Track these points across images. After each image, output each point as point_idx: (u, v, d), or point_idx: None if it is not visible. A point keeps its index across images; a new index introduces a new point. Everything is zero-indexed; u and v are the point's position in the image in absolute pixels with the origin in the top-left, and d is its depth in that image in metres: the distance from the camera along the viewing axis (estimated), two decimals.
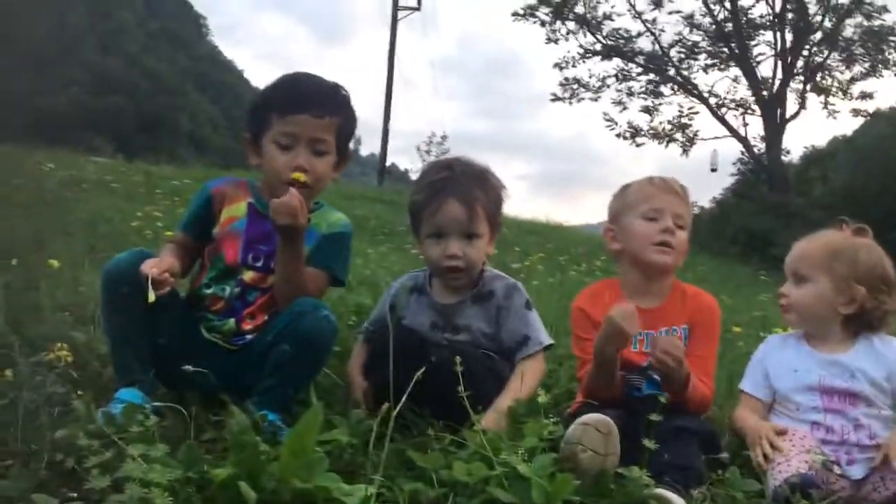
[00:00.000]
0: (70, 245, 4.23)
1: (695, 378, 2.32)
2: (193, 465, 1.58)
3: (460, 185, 2.43)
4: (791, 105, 23.82)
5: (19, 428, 1.76)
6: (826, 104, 24.07)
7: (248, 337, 2.34)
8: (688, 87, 25.09)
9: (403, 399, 2.03)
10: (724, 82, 30.21)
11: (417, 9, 30.19)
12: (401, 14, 29.61)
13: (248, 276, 2.36)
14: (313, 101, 2.35)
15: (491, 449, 1.74)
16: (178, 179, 11.44)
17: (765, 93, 23.69)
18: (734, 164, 26.04)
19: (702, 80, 27.77)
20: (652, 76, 25.46)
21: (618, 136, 25.40)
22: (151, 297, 2.05)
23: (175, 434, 1.93)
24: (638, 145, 25.29)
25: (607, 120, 25.39)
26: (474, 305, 2.46)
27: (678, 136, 25.28)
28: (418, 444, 2.01)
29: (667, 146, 25.29)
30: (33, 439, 1.73)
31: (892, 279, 2.32)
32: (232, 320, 2.34)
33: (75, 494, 1.50)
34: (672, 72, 25.30)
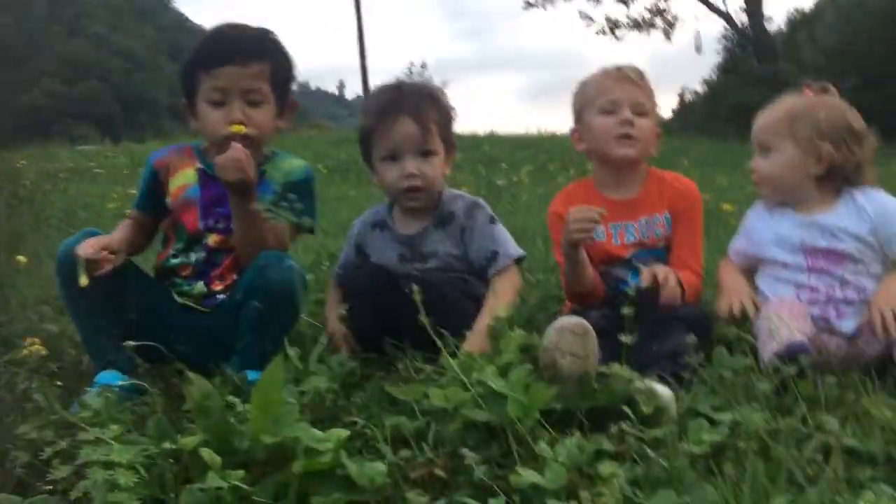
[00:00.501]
0: (48, 237, 4.19)
1: (684, 271, 2.29)
2: (164, 437, 1.56)
3: (410, 103, 2.37)
4: None
5: None
6: None
7: (220, 297, 2.30)
8: None
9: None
10: None
11: None
12: None
13: (211, 239, 2.32)
14: (237, 51, 2.26)
15: (465, 370, 1.70)
16: None
17: None
18: (719, 41, 25.59)
19: None
20: None
21: (597, 32, 24.95)
22: (83, 280, 2.01)
23: (154, 410, 1.90)
24: (618, 38, 24.83)
25: (584, 17, 24.87)
26: (438, 230, 2.41)
27: (658, 21, 24.78)
28: (401, 378, 1.99)
29: (648, 34, 24.82)
30: (7, 438, 1.70)
31: (858, 130, 2.26)
32: (201, 283, 2.31)
33: (50, 488, 1.47)
34: None
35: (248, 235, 2.22)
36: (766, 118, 2.32)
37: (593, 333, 1.80)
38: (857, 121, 2.27)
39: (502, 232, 2.41)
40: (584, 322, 1.81)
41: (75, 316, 2.21)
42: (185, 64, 2.36)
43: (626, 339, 1.76)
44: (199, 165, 2.37)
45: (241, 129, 2.18)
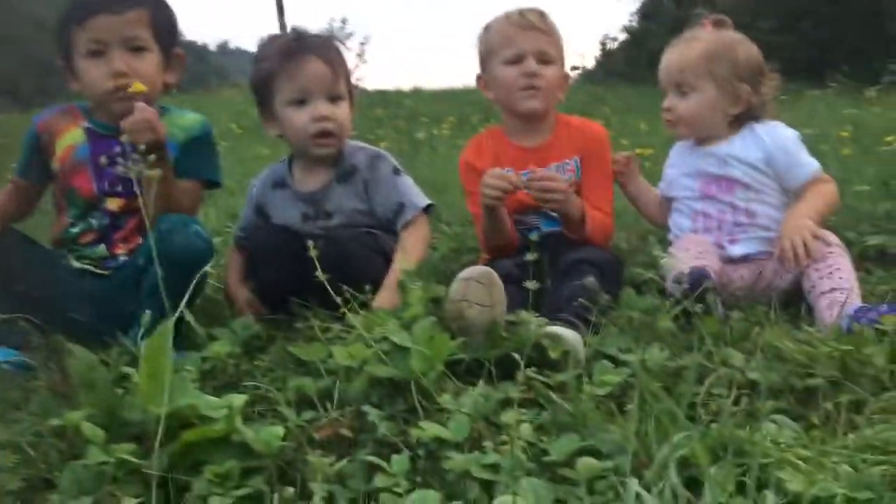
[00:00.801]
0: None
1: (593, 210, 2.28)
2: (49, 414, 1.48)
3: (317, 44, 2.29)
4: None
5: None
6: None
7: (122, 259, 2.20)
8: None
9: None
10: None
11: None
12: None
13: (112, 204, 2.20)
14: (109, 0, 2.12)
15: (369, 327, 1.65)
16: None
17: None
18: None
19: None
20: None
21: None
22: None
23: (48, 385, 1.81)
24: None
25: None
26: (340, 185, 2.32)
27: None
28: (306, 339, 1.93)
29: None
30: None
31: (764, 67, 2.32)
32: (102, 246, 2.20)
33: None
34: None
35: (164, 201, 2.05)
36: (682, 57, 2.31)
37: (500, 282, 1.77)
38: (761, 56, 2.32)
39: (407, 182, 2.34)
40: (490, 271, 1.78)
41: None
42: (58, 21, 2.20)
43: (531, 285, 1.73)
44: (86, 124, 2.23)
45: (141, 87, 2.04)
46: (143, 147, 1.70)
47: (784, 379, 1.54)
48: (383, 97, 12.57)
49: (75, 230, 2.21)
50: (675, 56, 2.32)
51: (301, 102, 2.25)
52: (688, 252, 2.06)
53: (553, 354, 1.61)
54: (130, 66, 2.12)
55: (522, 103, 2.35)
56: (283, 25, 27.10)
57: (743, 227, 2.24)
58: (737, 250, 2.21)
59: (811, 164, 2.24)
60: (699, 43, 2.32)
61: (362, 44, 16.04)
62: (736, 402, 1.43)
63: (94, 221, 2.21)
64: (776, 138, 2.25)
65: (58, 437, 1.45)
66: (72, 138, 2.22)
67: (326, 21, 24.07)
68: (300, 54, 2.24)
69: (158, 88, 2.22)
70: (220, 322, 2.11)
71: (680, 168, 2.40)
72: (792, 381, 1.54)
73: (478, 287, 1.74)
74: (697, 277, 1.89)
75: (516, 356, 1.54)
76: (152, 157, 1.64)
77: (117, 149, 2.14)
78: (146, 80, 2.12)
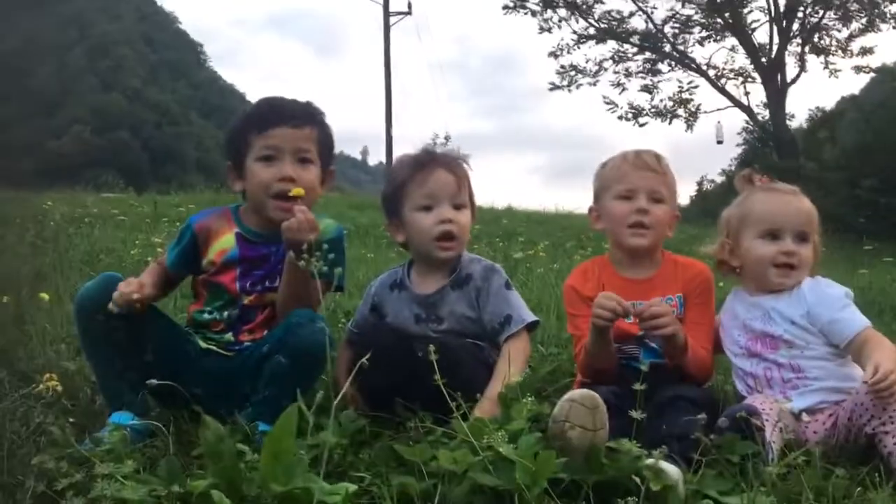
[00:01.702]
0: (69, 278, 4.25)
1: (694, 343, 2.31)
2: (174, 479, 1.57)
3: (445, 157, 2.50)
4: (791, 69, 23.58)
5: (4, 459, 1.76)
6: (826, 64, 23.78)
7: (246, 344, 2.34)
8: (685, 62, 24.86)
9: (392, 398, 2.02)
10: (722, 53, 30.04)
11: (409, 13, 30.23)
12: (393, 20, 29.63)
13: (247, 299, 2.38)
14: (291, 114, 2.39)
15: (475, 435, 1.71)
16: (185, 206, 11.49)
17: (763, 59, 23.44)
18: (739, 133, 25.88)
19: (698, 52, 27.55)
20: (648, 55, 25.25)
21: (619, 118, 25.17)
22: (112, 306, 2.10)
23: (164, 453, 1.93)
24: (641, 125, 25.09)
25: (608, 103, 25.21)
26: (454, 291, 2.45)
27: (680, 111, 25.01)
28: (408, 439, 2.00)
29: (670, 123, 25.07)
30: (18, 470, 1.72)
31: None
32: (230, 334, 2.36)
33: None
34: (668, 48, 25.07)
35: (296, 294, 2.26)
36: (806, 209, 2.37)
37: (604, 407, 1.81)
38: None
39: (517, 297, 2.45)
40: (595, 395, 1.83)
41: (92, 359, 2.26)
42: (234, 127, 2.46)
43: (636, 414, 1.77)
44: (237, 230, 2.43)
45: (301, 191, 2.24)
46: (304, 246, 1.86)
47: None
48: (480, 213, 12.87)
49: (209, 317, 2.38)
50: (798, 205, 2.37)
51: (427, 208, 2.43)
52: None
53: (654, 487, 1.62)
54: (297, 172, 2.34)
55: (630, 239, 2.44)
56: (389, 137, 28.37)
57: (792, 383, 2.22)
58: (796, 405, 2.14)
59: (857, 321, 2.19)
60: (805, 199, 2.39)
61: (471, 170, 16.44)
62: None
63: (226, 313, 2.37)
64: (819, 294, 2.26)
65: (180, 502, 1.54)
66: (225, 243, 2.42)
67: (431, 136, 24.87)
68: (430, 165, 2.45)
69: (316, 195, 2.43)
70: (325, 412, 2.20)
71: (730, 319, 2.43)
72: None
73: (582, 410, 1.79)
74: (740, 411, 1.93)
75: (618, 483, 1.58)
76: (318, 253, 1.80)
77: (263, 251, 2.37)
78: (307, 188, 2.34)
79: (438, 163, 2.47)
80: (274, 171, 2.34)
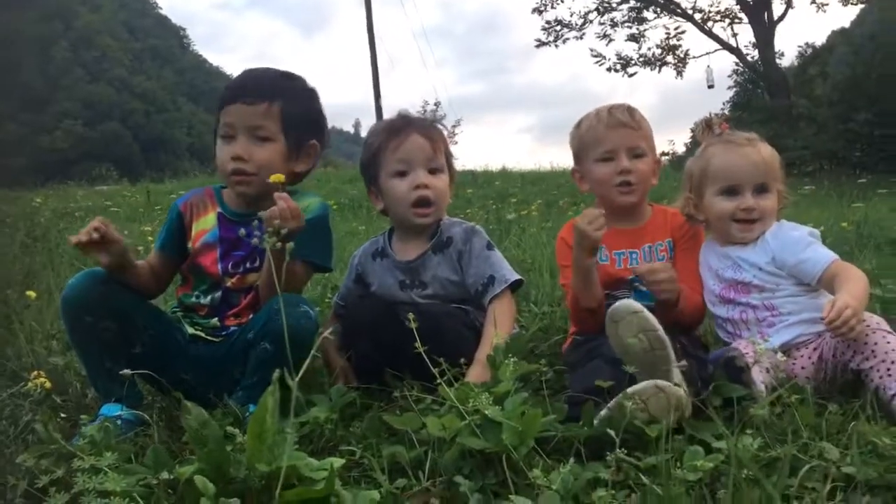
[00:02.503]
0: (60, 274, 4.24)
1: (686, 288, 2.31)
2: (162, 467, 1.56)
3: (419, 122, 2.49)
4: (778, 6, 23.29)
5: None
6: None
7: (232, 328, 2.32)
8: (671, 7, 24.58)
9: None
10: None
11: None
12: None
13: (229, 282, 2.35)
14: (246, 90, 2.32)
15: (462, 399, 1.70)
16: (177, 192, 11.45)
17: None
18: (730, 76, 25.67)
19: None
20: (633, 2, 24.97)
21: (608, 69, 25.01)
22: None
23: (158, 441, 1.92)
24: (630, 75, 24.92)
25: (595, 55, 25.01)
26: (436, 255, 2.44)
27: (669, 58, 24.86)
28: (400, 408, 1.99)
29: (660, 71, 24.93)
30: (8, 469, 1.71)
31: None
32: (215, 319, 2.34)
33: None
34: None
35: (272, 280, 2.18)
36: (762, 158, 2.32)
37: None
38: None
39: (499, 258, 2.44)
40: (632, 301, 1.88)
41: (81, 355, 2.23)
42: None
43: (630, 368, 1.76)
44: (218, 210, 2.40)
45: (280, 177, 2.13)
46: (284, 232, 1.81)
47: (881, 475, 1.50)
48: (473, 177, 12.86)
49: (194, 301, 2.36)
50: (756, 156, 2.34)
51: (403, 174, 2.40)
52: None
53: (651, 434, 1.61)
54: (249, 151, 2.28)
55: (618, 199, 2.44)
56: (379, 108, 28.16)
57: (768, 321, 2.22)
58: (774, 342, 2.12)
59: (822, 257, 2.18)
60: (765, 147, 2.36)
61: (454, 126, 16.45)
62: (831, 497, 1.41)
63: (211, 298, 2.35)
64: (782, 239, 2.26)
65: (169, 490, 1.53)
66: (206, 222, 2.39)
67: (420, 104, 24.68)
68: (404, 130, 2.43)
69: (272, 171, 2.29)
70: (316, 389, 2.20)
71: (705, 270, 2.42)
72: (889, 477, 1.50)
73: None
74: (721, 357, 1.94)
75: (611, 433, 1.57)
76: (290, 243, 1.76)
77: (242, 231, 2.29)
78: (259, 165, 2.28)
79: (412, 127, 2.44)
80: (229, 149, 2.30)
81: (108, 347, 2.17)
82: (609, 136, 2.44)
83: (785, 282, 2.24)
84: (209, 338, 2.32)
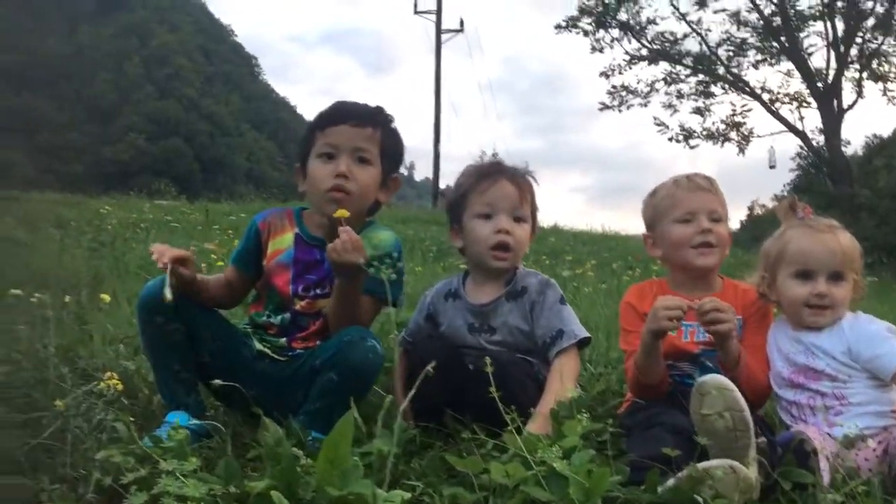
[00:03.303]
0: (125, 281, 4.35)
1: (750, 360, 2.29)
2: (232, 479, 1.60)
3: (510, 169, 2.53)
4: (848, 95, 23.18)
5: (68, 453, 1.81)
6: (885, 90, 23.35)
7: (298, 351, 2.36)
8: (739, 85, 24.60)
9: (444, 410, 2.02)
10: (777, 77, 29.57)
11: (461, 30, 30.45)
12: (445, 38, 29.84)
13: (299, 305, 2.39)
14: (353, 114, 2.41)
15: (528, 449, 1.71)
16: (235, 214, 11.72)
17: (819, 84, 23.09)
18: (793, 158, 25.48)
19: (753, 76, 27.23)
20: (701, 76, 25.05)
21: (670, 139, 24.99)
22: (168, 295, 2.10)
23: (220, 453, 1.96)
24: (692, 147, 24.84)
25: (658, 124, 25.04)
26: (509, 303, 2.46)
27: (733, 134, 24.74)
28: (460, 450, 2.01)
29: (722, 146, 24.80)
30: (81, 464, 1.77)
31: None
32: (283, 339, 2.38)
33: None
34: (721, 70, 24.86)
35: (347, 315, 2.26)
36: (842, 246, 2.31)
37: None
38: None
39: (570, 313, 2.45)
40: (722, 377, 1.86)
41: (152, 357, 2.30)
42: (306, 129, 2.49)
43: (702, 439, 1.76)
44: (296, 231, 2.45)
45: (345, 213, 2.17)
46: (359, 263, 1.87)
47: None
48: None
49: (265, 319, 2.41)
50: (835, 244, 2.33)
51: (487, 217, 2.45)
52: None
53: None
54: (352, 170, 2.34)
55: (698, 260, 2.42)
56: (437, 153, 28.51)
57: (835, 409, 2.18)
58: (837, 431, 2.08)
59: None
60: (844, 235, 2.34)
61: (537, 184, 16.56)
62: None
63: (279, 317, 2.39)
64: (859, 331, 2.22)
65: (236, 502, 1.56)
66: (282, 242, 2.44)
67: (478, 153, 24.84)
68: (495, 175, 2.48)
69: (370, 200, 2.43)
70: (375, 422, 2.22)
71: (773, 351, 2.38)
72: None
73: (725, 393, 1.80)
74: (790, 439, 1.90)
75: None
76: (379, 265, 1.81)
77: (318, 256, 2.36)
78: (361, 186, 2.35)
79: (503, 173, 2.49)
80: (331, 167, 2.34)
81: (176, 350, 2.24)
82: (689, 198, 2.45)
83: (858, 374, 2.20)
84: (275, 357, 2.36)
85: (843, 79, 23.14)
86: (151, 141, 54.61)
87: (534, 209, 2.52)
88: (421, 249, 8.59)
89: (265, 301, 2.44)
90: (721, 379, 1.86)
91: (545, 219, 16.84)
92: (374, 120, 2.41)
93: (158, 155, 53.73)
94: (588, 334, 2.43)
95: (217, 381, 1.98)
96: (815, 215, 2.44)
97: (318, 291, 2.39)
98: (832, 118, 22.80)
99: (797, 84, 23.90)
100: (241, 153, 63.72)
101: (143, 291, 2.27)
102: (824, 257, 2.28)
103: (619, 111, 25.80)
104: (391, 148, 2.44)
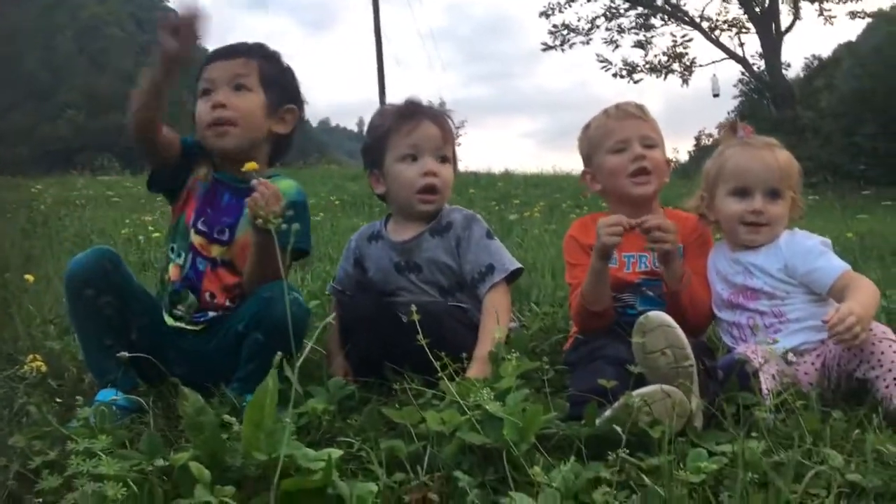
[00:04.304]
0: (59, 259, 4.22)
1: (693, 282, 2.28)
2: (156, 454, 1.54)
3: (430, 110, 2.47)
4: (785, 17, 23.29)
5: None
6: (821, 10, 23.49)
7: (211, 314, 2.29)
8: (678, 15, 24.56)
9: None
10: (715, 4, 29.64)
11: None
12: None
13: (196, 240, 2.32)
14: (226, 49, 2.39)
15: (463, 394, 1.68)
16: None
17: (757, 8, 23.15)
18: (735, 86, 25.65)
19: (692, 5, 27.22)
20: (641, 9, 24.96)
21: (614, 75, 24.94)
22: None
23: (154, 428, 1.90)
24: (636, 82, 24.87)
25: (601, 61, 24.96)
26: (433, 238, 2.41)
27: (675, 66, 24.83)
28: (399, 402, 1.97)
29: (665, 78, 24.89)
30: (1, 451, 1.69)
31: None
32: (192, 296, 2.30)
33: (40, 500, 1.45)
34: (660, 2, 24.80)
35: (266, 270, 2.15)
36: (778, 163, 2.29)
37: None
38: None
39: (499, 246, 2.41)
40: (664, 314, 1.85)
41: (80, 334, 2.22)
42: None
43: (635, 368, 1.75)
44: (214, 174, 2.38)
45: (253, 165, 2.07)
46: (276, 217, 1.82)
47: (886, 483, 1.48)
48: (476, 178, 12.86)
49: (171, 259, 2.35)
50: (772, 161, 2.31)
51: (412, 159, 2.38)
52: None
53: (654, 435, 1.59)
54: (229, 99, 2.29)
55: (634, 189, 2.39)
56: (383, 105, 28.16)
57: (774, 327, 2.19)
58: (778, 347, 2.08)
59: (834, 267, 2.16)
60: (783, 153, 2.33)
61: (458, 127, 16.42)
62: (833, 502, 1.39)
63: (182, 254, 2.33)
64: (795, 247, 2.23)
65: (163, 477, 1.50)
66: (201, 172, 2.38)
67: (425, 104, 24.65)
68: (415, 116, 2.41)
69: (261, 127, 2.34)
70: (314, 380, 2.17)
71: (712, 273, 2.39)
72: (892, 485, 1.48)
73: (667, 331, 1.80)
74: (731, 362, 1.92)
75: (618, 431, 1.55)
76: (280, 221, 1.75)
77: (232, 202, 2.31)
78: (238, 111, 2.28)
79: (424, 114, 2.42)
80: (209, 102, 2.30)
81: (107, 324, 2.15)
82: (620, 126, 2.42)
83: (795, 290, 2.21)
84: (189, 327, 2.29)
85: (780, 1, 23.24)
86: (91, 117, 53.11)
87: (454, 150, 2.47)
88: (369, 205, 8.48)
89: (172, 233, 2.38)
90: (663, 316, 1.85)
91: (496, 166, 16.78)
92: (247, 51, 2.36)
93: (99, 131, 52.32)
94: (520, 265, 2.39)
95: (124, 354, 1.89)
96: (755, 134, 2.42)
97: (214, 234, 2.32)
98: (771, 42, 22.93)
99: (735, 10, 23.98)
100: (185, 123, 62.34)
101: (72, 264, 2.18)
102: (761, 174, 2.27)
103: (563, 51, 25.64)
104: (273, 75, 2.37)
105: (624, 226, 2.17)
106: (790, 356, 1.95)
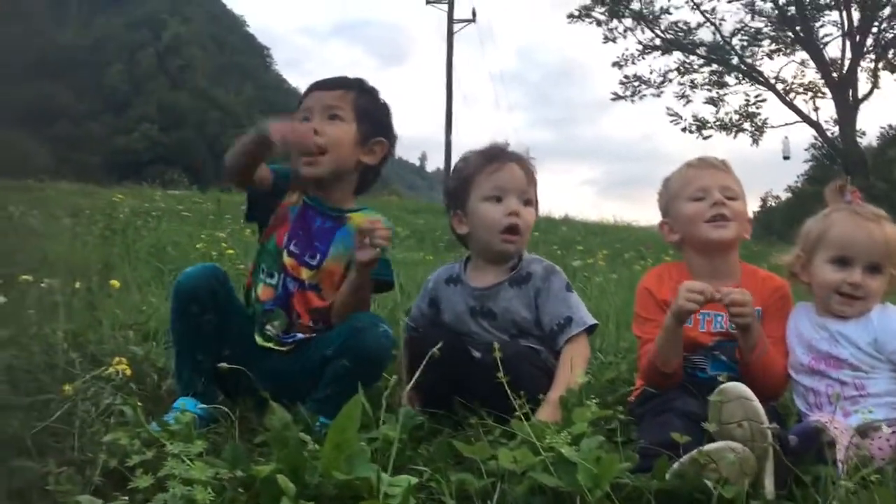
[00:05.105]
0: (136, 268, 4.37)
1: (769, 347, 2.24)
2: (238, 463, 1.60)
3: (516, 153, 2.52)
4: (863, 85, 22.99)
5: (75, 437, 1.81)
6: None
7: (299, 336, 2.36)
8: (753, 75, 24.43)
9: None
10: (791, 67, 29.33)
11: (473, 20, 30.31)
12: (457, 28, 29.73)
13: (288, 262, 2.39)
14: (325, 81, 2.48)
15: (537, 435, 1.70)
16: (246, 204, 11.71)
17: (834, 74, 22.90)
18: (807, 149, 25.30)
19: (767, 66, 26.92)
20: (715, 66, 24.89)
21: (683, 130, 24.85)
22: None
23: (227, 438, 1.97)
24: (705, 138, 24.72)
25: (671, 115, 24.91)
26: (512, 288, 2.43)
27: (746, 125, 24.60)
28: (468, 436, 2.00)
29: (735, 136, 24.66)
30: (88, 447, 1.77)
31: None
32: (283, 314, 2.38)
33: (126, 498, 1.51)
34: (735, 60, 24.70)
35: (357, 300, 2.31)
36: (886, 237, 2.27)
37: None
38: None
39: (577, 300, 2.44)
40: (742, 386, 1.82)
41: (176, 341, 2.31)
42: None
43: (709, 426, 1.74)
44: (304, 198, 2.46)
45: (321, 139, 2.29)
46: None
47: None
48: (538, 222, 12.87)
49: (262, 281, 2.41)
50: (879, 234, 2.26)
51: (496, 199, 2.43)
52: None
53: (727, 495, 1.59)
54: (322, 126, 2.37)
55: (712, 233, 2.35)
56: (448, 143, 28.44)
57: (853, 399, 2.13)
58: (853, 420, 2.05)
59: None
60: (890, 225, 2.26)
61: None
62: None
63: (275, 275, 2.40)
64: (886, 322, 2.17)
65: (241, 488, 1.56)
66: (290, 197, 2.47)
67: (489, 141, 24.81)
68: (502, 158, 2.47)
69: (348, 157, 2.43)
70: (385, 408, 2.21)
71: (793, 336, 2.33)
72: None
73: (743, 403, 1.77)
74: (807, 431, 1.87)
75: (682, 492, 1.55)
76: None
77: (322, 224, 2.41)
78: (331, 139, 2.37)
79: (509, 157, 2.48)
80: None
81: (204, 340, 2.26)
82: (701, 175, 2.40)
83: (882, 365, 2.16)
84: (279, 348, 2.35)
85: (859, 69, 22.96)
86: (164, 131, 54.73)
87: (536, 193, 2.51)
88: (432, 239, 8.57)
89: (261, 254, 2.46)
90: (741, 388, 1.81)
91: (556, 211, 16.80)
92: (347, 83, 2.47)
93: (171, 145, 53.85)
94: (596, 321, 2.41)
95: (224, 365, 1.97)
96: (863, 202, 2.38)
97: (305, 257, 2.39)
98: (847, 109, 22.62)
99: (812, 74, 23.77)
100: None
101: (182, 277, 2.30)
102: (865, 246, 2.21)
103: (632, 101, 25.73)
104: (367, 108, 2.46)
105: (706, 296, 2.15)
106: (867, 426, 1.92)
